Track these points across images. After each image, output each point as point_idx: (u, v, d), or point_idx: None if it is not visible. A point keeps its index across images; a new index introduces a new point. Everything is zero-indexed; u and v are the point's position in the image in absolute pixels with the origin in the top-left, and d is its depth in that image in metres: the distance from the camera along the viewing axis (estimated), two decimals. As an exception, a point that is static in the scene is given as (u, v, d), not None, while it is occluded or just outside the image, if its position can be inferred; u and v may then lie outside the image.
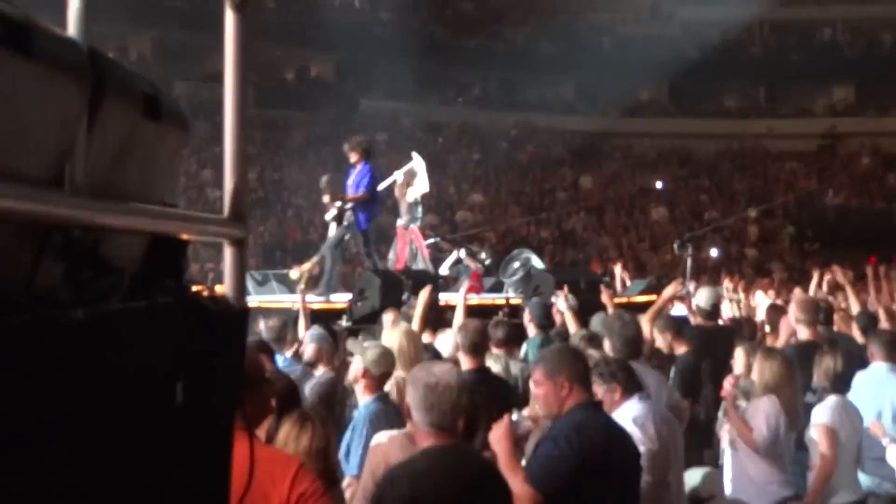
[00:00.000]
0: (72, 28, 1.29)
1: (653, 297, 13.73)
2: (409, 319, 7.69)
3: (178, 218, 1.75)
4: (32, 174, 1.14)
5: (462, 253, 16.18)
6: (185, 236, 1.82)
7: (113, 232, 1.42)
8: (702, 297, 9.32)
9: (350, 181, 12.85)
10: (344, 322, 10.86)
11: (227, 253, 2.01)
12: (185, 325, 1.64)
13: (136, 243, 1.56)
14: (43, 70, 1.12)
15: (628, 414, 5.25)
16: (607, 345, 7.15)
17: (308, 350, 7.13)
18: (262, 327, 8.40)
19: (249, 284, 12.41)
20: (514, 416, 4.41)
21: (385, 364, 5.67)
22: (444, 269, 15.75)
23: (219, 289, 2.20)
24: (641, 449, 4.95)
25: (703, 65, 35.86)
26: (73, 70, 1.18)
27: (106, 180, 1.37)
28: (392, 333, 6.52)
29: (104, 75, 1.27)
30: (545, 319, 8.37)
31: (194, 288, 1.81)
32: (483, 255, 16.43)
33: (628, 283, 16.29)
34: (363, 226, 12.73)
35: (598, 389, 5.28)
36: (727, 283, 14.89)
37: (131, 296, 1.47)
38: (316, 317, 10.51)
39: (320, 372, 6.87)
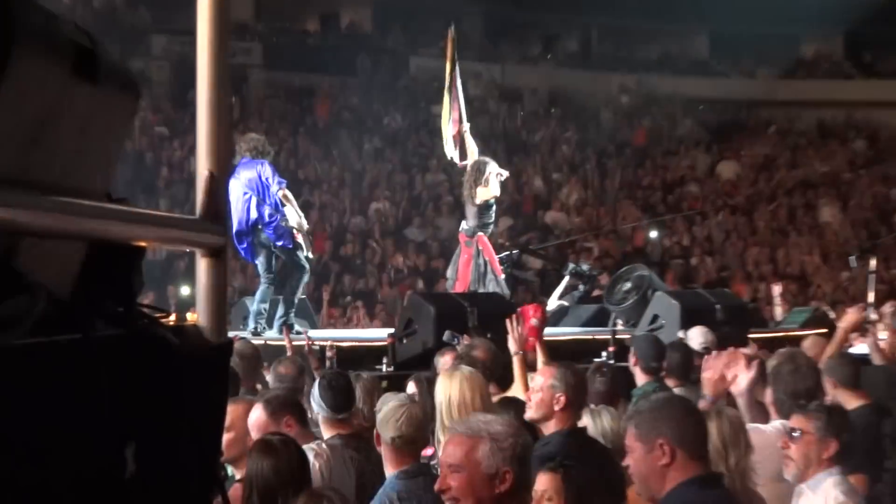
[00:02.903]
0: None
1: (821, 330, 13.62)
2: (471, 363, 7.66)
3: (129, 218, 1.74)
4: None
5: (569, 274, 16.18)
6: (140, 244, 1.84)
7: (32, 236, 1.43)
8: None
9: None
10: (384, 367, 10.84)
11: (201, 266, 2.01)
12: (139, 366, 1.65)
13: (68, 253, 1.57)
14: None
15: (832, 488, 5.36)
16: (769, 395, 7.05)
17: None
18: (271, 376, 8.45)
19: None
20: None
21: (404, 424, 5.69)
22: (552, 302, 15.71)
23: (191, 317, 2.22)
24: None
25: (892, 8, 35.42)
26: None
27: (21, 163, 1.38)
28: (450, 381, 6.49)
29: (16, 19, 1.28)
30: (657, 361, 8.27)
31: (154, 315, 1.82)
32: (596, 273, 16.46)
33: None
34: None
35: (809, 434, 5.44)
36: None
37: (59, 325, 1.48)
38: (344, 359, 10.53)
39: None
